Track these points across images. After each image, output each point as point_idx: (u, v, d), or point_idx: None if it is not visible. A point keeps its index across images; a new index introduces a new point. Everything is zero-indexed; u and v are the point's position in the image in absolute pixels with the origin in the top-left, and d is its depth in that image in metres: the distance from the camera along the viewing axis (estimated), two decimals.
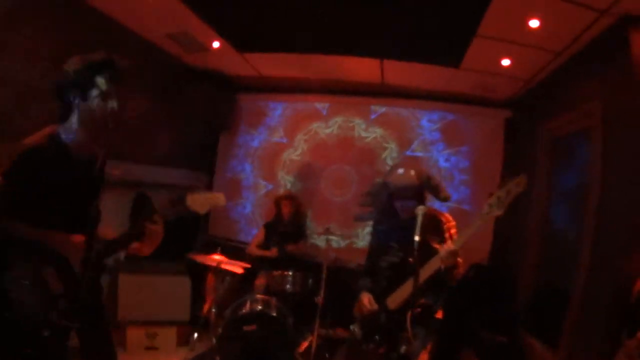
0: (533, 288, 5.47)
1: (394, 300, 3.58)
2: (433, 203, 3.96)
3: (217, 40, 5.90)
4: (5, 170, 2.50)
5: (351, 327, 3.91)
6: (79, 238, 2.58)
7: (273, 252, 6.22)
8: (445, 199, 3.89)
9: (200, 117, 7.23)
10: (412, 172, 3.76)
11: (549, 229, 5.49)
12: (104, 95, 2.62)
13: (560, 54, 4.84)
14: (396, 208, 3.77)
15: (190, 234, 7.11)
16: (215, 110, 7.37)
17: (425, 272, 3.35)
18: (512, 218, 6.12)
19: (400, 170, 3.81)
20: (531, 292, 5.46)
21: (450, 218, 3.82)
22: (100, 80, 2.62)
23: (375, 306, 3.70)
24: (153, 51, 6.30)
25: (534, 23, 4.30)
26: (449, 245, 3.35)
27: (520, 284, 5.61)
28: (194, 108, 7.03)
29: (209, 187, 7.90)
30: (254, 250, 6.38)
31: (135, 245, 2.85)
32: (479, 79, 5.96)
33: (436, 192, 3.82)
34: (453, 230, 3.72)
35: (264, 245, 6.39)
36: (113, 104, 2.63)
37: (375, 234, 4.19)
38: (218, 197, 3.06)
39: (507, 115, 6.72)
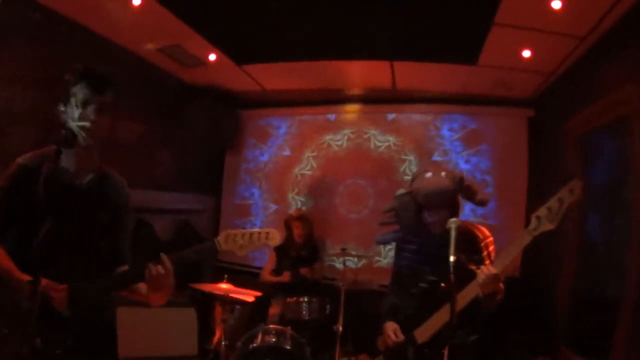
0: (572, 300, 5.04)
1: (423, 332, 3.09)
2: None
3: (212, 52, 5.67)
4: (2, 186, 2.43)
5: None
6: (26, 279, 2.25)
7: (285, 276, 5.93)
8: (482, 203, 3.34)
9: (203, 137, 7.01)
10: (443, 174, 3.28)
11: (584, 234, 5.08)
12: (82, 105, 2.38)
13: (585, 39, 4.50)
14: (425, 222, 3.32)
15: (197, 262, 6.79)
16: (218, 128, 7.16)
17: (461, 301, 2.86)
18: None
19: (429, 174, 3.30)
20: (570, 305, 5.05)
21: (487, 232, 3.33)
22: (78, 88, 2.40)
23: (402, 337, 3.19)
24: (147, 68, 6.11)
25: (556, 4, 3.94)
26: (488, 269, 2.84)
27: (557, 296, 5.21)
28: (195, 127, 6.80)
29: (217, 210, 7.67)
30: (266, 276, 6.10)
31: (141, 290, 2.51)
32: (498, 76, 5.66)
33: (471, 194, 3.28)
34: (492, 248, 3.24)
35: (277, 271, 6.12)
36: (89, 113, 2.38)
37: (400, 255, 3.57)
38: (270, 236, 2.57)
39: (530, 115, 6.39)
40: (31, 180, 2.30)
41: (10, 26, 4.38)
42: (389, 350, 3.27)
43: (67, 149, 2.32)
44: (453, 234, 2.70)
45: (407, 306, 3.30)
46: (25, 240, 2.28)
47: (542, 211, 2.70)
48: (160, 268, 2.36)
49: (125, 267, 2.58)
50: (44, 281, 2.20)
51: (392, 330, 3.24)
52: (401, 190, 3.51)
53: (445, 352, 2.71)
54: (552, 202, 2.68)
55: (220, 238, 2.50)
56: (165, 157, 6.59)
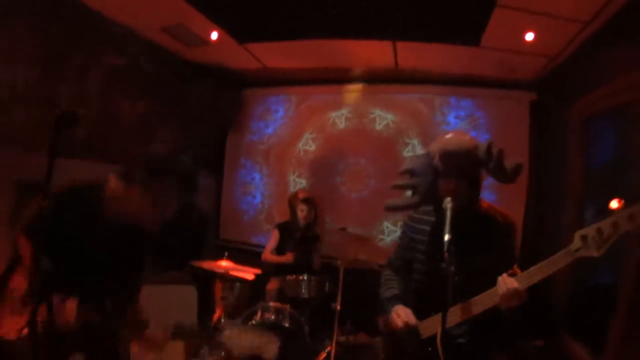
0: (570, 286, 5.06)
1: (427, 328, 2.83)
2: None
3: (215, 30, 5.65)
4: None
5: (385, 336, 3.12)
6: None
7: (288, 257, 5.96)
8: (510, 178, 2.69)
9: (204, 116, 7.04)
10: (467, 137, 2.77)
11: (583, 220, 5.05)
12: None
13: (589, 23, 4.47)
14: (440, 190, 2.74)
15: (198, 240, 6.85)
16: (219, 107, 7.20)
17: (477, 306, 2.61)
18: (544, 205, 5.80)
19: (450, 135, 2.78)
20: (569, 291, 5.07)
21: (511, 218, 2.87)
22: None
23: (414, 321, 2.87)
24: (149, 47, 6.11)
25: None
26: (512, 283, 2.47)
27: (556, 282, 5.17)
28: (196, 106, 6.84)
29: (218, 188, 7.70)
30: (268, 256, 6.13)
31: None
32: (501, 58, 5.61)
33: (499, 165, 2.66)
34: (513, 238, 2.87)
35: (279, 249, 6.15)
36: None
37: (408, 229, 3.14)
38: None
39: (533, 98, 6.36)
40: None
41: (14, 5, 4.42)
42: (391, 334, 3.00)
43: None
44: (448, 214, 2.52)
45: (409, 289, 3.07)
46: None
47: (590, 231, 2.33)
48: None
49: None
50: None
51: (404, 313, 2.90)
52: (422, 151, 2.98)
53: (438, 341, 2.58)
54: (605, 224, 2.30)
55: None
56: (167, 135, 6.61)
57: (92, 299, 2.78)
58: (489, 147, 2.65)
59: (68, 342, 2.80)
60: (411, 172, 2.87)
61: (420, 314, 2.87)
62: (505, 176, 2.67)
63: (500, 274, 2.53)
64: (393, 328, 2.92)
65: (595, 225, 2.31)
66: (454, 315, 2.64)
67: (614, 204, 2.36)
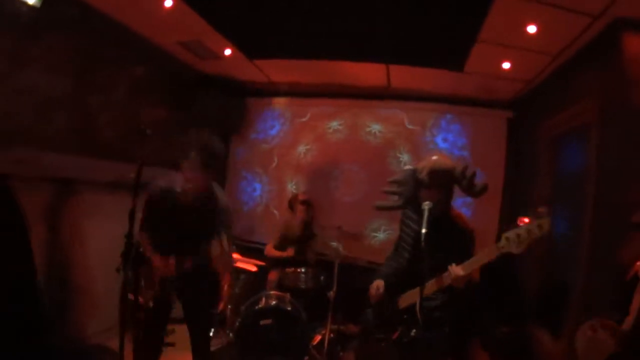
0: (538, 280, 5.62)
1: (404, 300, 3.63)
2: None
3: (228, 47, 6.06)
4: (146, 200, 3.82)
5: (366, 311, 3.96)
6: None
7: (289, 252, 6.33)
8: (477, 194, 3.48)
9: (212, 123, 7.31)
10: (449, 160, 3.55)
11: (552, 224, 5.55)
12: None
13: (557, 57, 5.02)
14: (420, 201, 3.48)
15: None
16: (226, 115, 7.53)
17: (433, 286, 3.39)
18: (516, 213, 6.32)
19: (435, 157, 3.56)
20: (536, 285, 5.61)
21: (471, 225, 3.67)
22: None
23: (382, 291, 3.73)
24: (167, 59, 6.49)
25: (532, 29, 4.48)
26: (458, 271, 3.24)
27: (525, 276, 5.74)
28: (205, 114, 7.19)
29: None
30: (271, 251, 6.48)
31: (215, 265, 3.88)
32: (482, 82, 6.11)
33: (470, 184, 3.45)
34: (472, 240, 3.60)
35: (280, 246, 6.52)
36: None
37: (402, 225, 3.93)
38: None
39: (509, 116, 6.87)
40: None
41: (51, 20, 4.74)
42: (375, 305, 3.84)
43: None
44: (426, 213, 3.27)
45: (401, 271, 3.82)
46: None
47: (511, 234, 3.03)
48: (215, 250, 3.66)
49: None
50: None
51: (375, 286, 3.81)
52: (408, 166, 3.81)
53: (418, 303, 3.34)
54: (522, 231, 3.00)
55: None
56: (180, 140, 6.91)
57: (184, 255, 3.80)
58: (463, 169, 3.45)
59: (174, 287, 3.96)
60: (397, 182, 3.69)
61: (406, 286, 3.66)
62: (473, 193, 3.48)
63: (459, 260, 3.30)
64: (372, 299, 3.84)
65: (515, 230, 3.04)
66: (426, 288, 3.39)
67: (525, 220, 3.11)
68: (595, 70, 4.60)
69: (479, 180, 3.47)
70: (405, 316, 3.58)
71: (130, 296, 3.61)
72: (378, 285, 3.80)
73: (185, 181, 3.78)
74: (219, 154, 3.81)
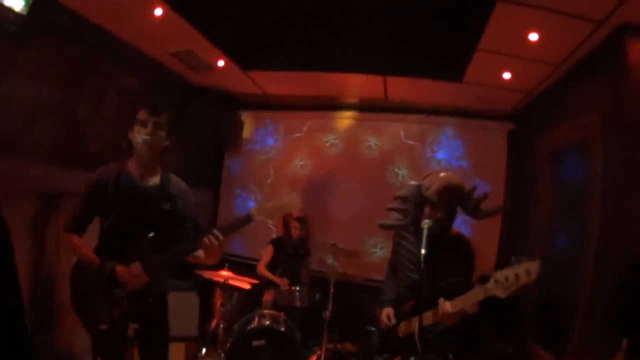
0: (537, 298, 5.45)
1: (405, 327, 3.49)
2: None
3: (222, 59, 5.95)
4: (83, 191, 3.24)
5: (372, 329, 3.99)
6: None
7: (283, 282, 6.14)
8: (481, 218, 3.45)
9: (205, 135, 7.27)
10: (458, 178, 3.45)
11: (552, 240, 5.48)
12: (139, 124, 3.19)
13: (559, 66, 4.90)
14: (424, 215, 3.37)
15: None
16: (219, 128, 7.45)
17: (429, 318, 3.24)
18: (517, 228, 6.20)
19: (443, 173, 3.44)
20: (535, 302, 5.46)
21: (472, 245, 3.56)
22: (139, 113, 3.19)
23: (394, 321, 3.59)
24: (158, 70, 6.36)
25: (533, 36, 4.35)
26: (446, 307, 3.11)
27: (525, 293, 5.52)
28: (198, 126, 7.08)
29: (215, 203, 7.96)
30: (263, 270, 6.36)
31: (200, 254, 3.20)
32: (482, 93, 6.00)
33: (477, 207, 3.37)
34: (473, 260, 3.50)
35: (272, 263, 6.42)
36: (147, 130, 3.17)
37: (397, 245, 3.81)
38: (289, 204, 3.27)
39: (510, 128, 6.76)
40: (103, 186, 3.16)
41: (39, 28, 4.58)
42: (383, 330, 3.70)
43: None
44: (425, 232, 3.09)
45: (400, 294, 3.69)
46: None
47: (499, 276, 2.90)
48: (212, 240, 3.03)
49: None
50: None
51: (385, 315, 3.65)
52: (413, 182, 3.61)
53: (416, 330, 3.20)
54: (510, 273, 2.85)
55: (254, 211, 3.10)
56: (172, 153, 6.80)
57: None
58: (471, 190, 3.35)
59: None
60: (403, 199, 3.51)
61: (403, 311, 3.54)
62: (478, 216, 3.42)
63: (458, 287, 3.16)
64: (382, 325, 3.67)
65: (504, 272, 2.89)
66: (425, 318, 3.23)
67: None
68: (598, 79, 4.47)
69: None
70: (404, 343, 3.43)
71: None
72: (389, 314, 3.66)
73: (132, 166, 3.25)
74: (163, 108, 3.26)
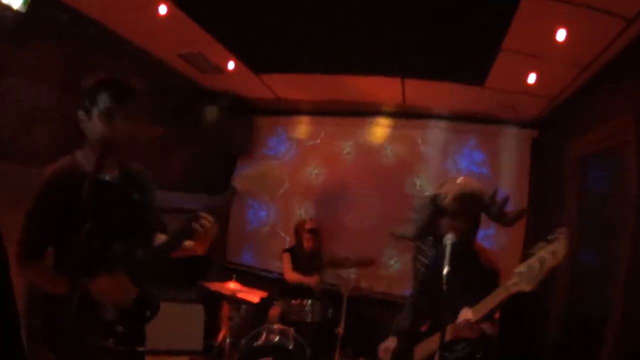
0: (564, 318, 5.13)
1: (420, 352, 3.09)
2: None
3: (232, 60, 5.78)
4: (30, 206, 2.50)
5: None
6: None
7: (315, 280, 6.05)
8: (510, 223, 3.00)
9: (216, 141, 7.08)
10: (476, 183, 3.07)
11: (579, 250, 5.13)
12: (105, 114, 2.50)
13: (587, 68, 4.63)
14: (441, 230, 3.00)
15: (204, 261, 6.92)
16: (231, 133, 7.25)
17: (449, 334, 2.83)
18: (542, 238, 5.90)
19: (460, 179, 3.08)
20: (562, 323, 5.14)
21: (497, 265, 3.11)
22: (102, 98, 2.50)
23: (388, 358, 3.27)
24: (166, 72, 6.24)
25: (561, 34, 4.06)
26: (467, 314, 2.73)
27: (549, 313, 5.29)
28: (208, 131, 6.92)
29: (227, 210, 7.75)
30: (293, 275, 6.18)
31: (188, 244, 2.74)
32: (504, 98, 5.75)
33: (501, 211, 2.95)
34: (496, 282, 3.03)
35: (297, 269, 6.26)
36: (115, 123, 2.52)
37: (416, 261, 3.42)
38: (270, 166, 2.82)
39: (534, 135, 6.48)
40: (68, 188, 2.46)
41: (38, 27, 4.49)
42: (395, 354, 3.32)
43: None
44: (448, 249, 2.74)
45: (418, 314, 3.33)
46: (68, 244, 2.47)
47: (522, 268, 2.50)
48: (204, 222, 2.61)
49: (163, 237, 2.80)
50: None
51: (383, 347, 3.34)
52: (427, 192, 3.30)
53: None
54: (533, 262, 2.47)
55: (237, 180, 2.75)
56: (179, 158, 6.73)
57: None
58: (493, 194, 2.94)
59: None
60: (419, 210, 3.17)
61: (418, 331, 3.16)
62: (504, 221, 2.97)
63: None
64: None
65: (526, 262, 2.48)
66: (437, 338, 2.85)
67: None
68: (629, 81, 4.15)
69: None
70: None
71: None
72: (386, 347, 3.34)
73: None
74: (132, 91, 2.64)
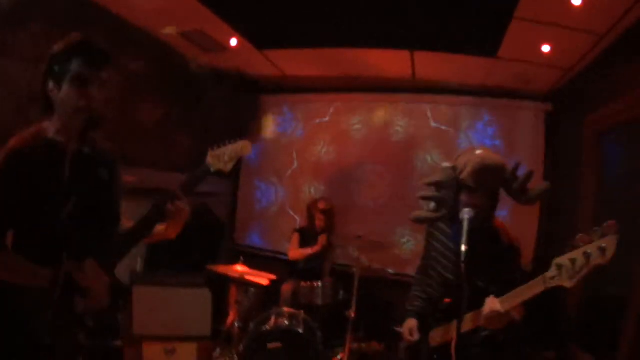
0: (581, 298, 4.98)
1: (437, 336, 2.97)
2: None
3: (234, 37, 5.66)
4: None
5: (401, 345, 3.33)
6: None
7: (316, 248, 6.02)
8: (532, 201, 2.76)
9: (221, 121, 6.96)
10: (496, 155, 2.81)
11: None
12: (77, 81, 2.27)
13: (604, 37, 4.44)
14: (462, 203, 2.79)
15: (213, 243, 6.83)
16: (237, 113, 7.15)
17: (469, 323, 2.69)
18: (558, 218, 5.75)
19: (479, 151, 2.81)
20: (580, 303, 4.99)
21: (517, 241, 2.94)
22: (73, 65, 2.28)
23: (416, 337, 3.09)
24: (167, 52, 6.13)
25: (577, 0, 3.88)
26: (495, 305, 2.54)
27: (566, 294, 5.05)
28: (213, 111, 6.82)
29: (234, 194, 7.66)
30: (296, 252, 6.16)
31: (159, 229, 2.54)
32: (518, 69, 5.58)
33: (523, 188, 2.72)
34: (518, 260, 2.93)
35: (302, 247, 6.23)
36: (89, 90, 2.27)
37: (430, 241, 3.23)
38: (243, 146, 2.61)
39: (548, 109, 6.28)
40: (35, 163, 2.21)
41: (34, 9, 4.43)
42: (409, 346, 3.21)
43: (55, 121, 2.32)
44: (466, 225, 2.59)
45: (431, 297, 3.19)
46: (42, 226, 2.22)
47: (564, 260, 2.32)
48: (179, 204, 2.42)
49: (126, 223, 2.54)
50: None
51: (407, 329, 3.16)
52: (446, 164, 2.92)
53: (453, 344, 2.65)
54: (577, 255, 2.27)
55: (209, 158, 2.56)
56: (184, 140, 6.62)
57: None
58: (514, 169, 2.71)
59: None
60: (438, 185, 2.85)
61: (435, 320, 3.00)
62: (526, 198, 2.73)
63: (501, 289, 2.58)
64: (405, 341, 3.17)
65: (569, 254, 2.29)
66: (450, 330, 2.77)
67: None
68: None
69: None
70: (435, 356, 2.94)
71: None
72: (412, 328, 3.14)
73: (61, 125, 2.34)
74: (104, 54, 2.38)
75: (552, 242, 5.79)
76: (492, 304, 2.54)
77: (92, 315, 2.26)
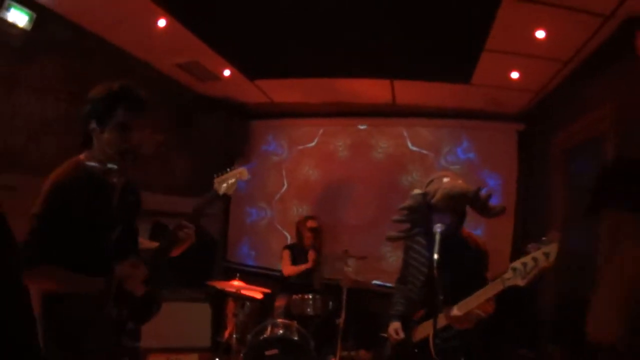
0: (554, 300, 5.36)
1: (419, 333, 3.40)
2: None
3: (227, 68, 5.96)
4: (39, 209, 2.41)
5: (387, 344, 3.72)
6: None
7: (308, 264, 6.25)
8: (492, 216, 3.24)
9: (215, 145, 7.23)
10: (460, 181, 3.28)
11: (567, 237, 5.35)
12: (120, 126, 2.52)
13: (567, 63, 4.85)
14: (434, 221, 3.17)
15: (207, 261, 7.07)
16: (229, 138, 7.42)
17: (442, 320, 3.10)
18: (530, 226, 6.11)
19: (447, 179, 3.26)
20: (552, 305, 5.36)
21: (484, 245, 3.44)
22: (118, 112, 2.52)
23: (402, 335, 3.50)
24: (165, 81, 6.38)
25: (540, 34, 4.31)
26: (452, 312, 3.02)
27: (542, 293, 5.50)
28: (208, 136, 7.08)
29: (226, 213, 7.92)
30: (290, 269, 6.34)
31: None
32: (490, 94, 5.95)
33: (485, 206, 3.18)
34: (485, 262, 3.39)
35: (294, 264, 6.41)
36: (130, 135, 2.56)
37: (408, 254, 3.68)
38: (241, 172, 3.00)
39: (520, 128, 6.67)
40: (77, 189, 2.45)
41: (43, 43, 4.66)
42: (395, 344, 3.61)
43: (94, 155, 2.56)
44: (437, 237, 2.98)
45: (412, 302, 3.57)
46: (90, 249, 2.48)
47: (517, 264, 2.76)
48: (187, 231, 2.71)
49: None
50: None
51: (393, 329, 3.54)
52: (416, 190, 3.40)
53: (431, 339, 3.10)
54: (527, 260, 2.73)
55: (216, 185, 2.91)
56: (180, 164, 6.89)
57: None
58: (477, 191, 3.15)
59: None
60: (410, 209, 3.34)
61: (414, 318, 3.45)
62: (487, 214, 3.20)
63: (472, 287, 3.02)
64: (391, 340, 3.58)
65: (522, 259, 2.75)
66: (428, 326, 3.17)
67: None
68: (608, 74, 4.39)
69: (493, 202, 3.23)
70: (416, 350, 3.36)
71: None
72: (397, 328, 3.55)
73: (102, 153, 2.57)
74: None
75: (526, 249, 6.04)
76: (450, 311, 3.03)
77: (132, 320, 2.59)
